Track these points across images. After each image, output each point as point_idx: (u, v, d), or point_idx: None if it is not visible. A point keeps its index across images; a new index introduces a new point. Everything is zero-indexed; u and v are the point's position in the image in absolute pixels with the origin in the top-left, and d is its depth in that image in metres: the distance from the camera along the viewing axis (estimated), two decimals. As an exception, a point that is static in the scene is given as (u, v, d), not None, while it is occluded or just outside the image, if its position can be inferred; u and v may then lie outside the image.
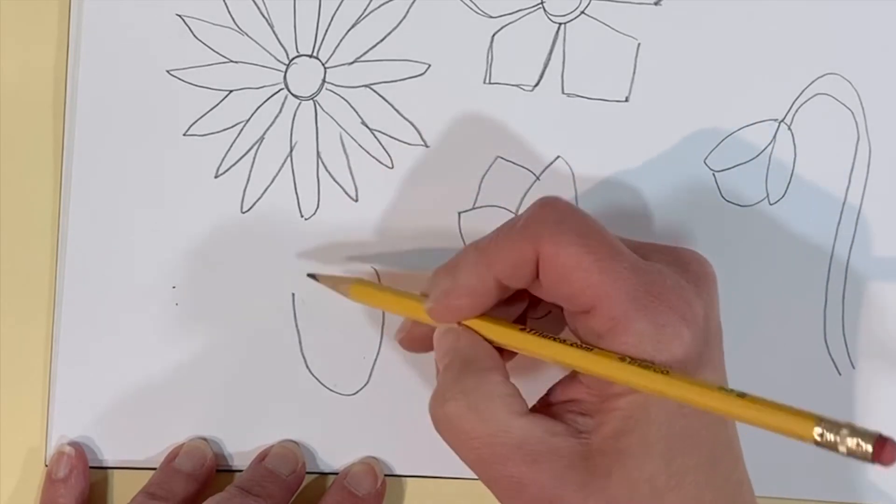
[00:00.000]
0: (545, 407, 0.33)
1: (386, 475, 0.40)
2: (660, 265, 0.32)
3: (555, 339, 0.32)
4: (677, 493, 0.31)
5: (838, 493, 0.41)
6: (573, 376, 0.33)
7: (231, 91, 0.39)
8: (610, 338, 0.31)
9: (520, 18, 0.39)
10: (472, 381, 0.32)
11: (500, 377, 0.32)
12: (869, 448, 0.26)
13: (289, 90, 0.39)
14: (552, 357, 0.32)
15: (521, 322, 0.35)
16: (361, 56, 0.39)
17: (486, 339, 0.33)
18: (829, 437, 0.26)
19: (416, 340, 0.36)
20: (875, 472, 0.41)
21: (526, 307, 0.35)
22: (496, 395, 0.32)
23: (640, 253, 0.33)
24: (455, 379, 0.32)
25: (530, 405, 0.33)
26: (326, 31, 0.39)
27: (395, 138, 0.40)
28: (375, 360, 0.40)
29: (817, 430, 0.27)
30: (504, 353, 0.34)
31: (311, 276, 0.38)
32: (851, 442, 0.26)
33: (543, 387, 0.34)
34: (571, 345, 0.32)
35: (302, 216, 0.40)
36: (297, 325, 0.40)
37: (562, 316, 0.34)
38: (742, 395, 0.29)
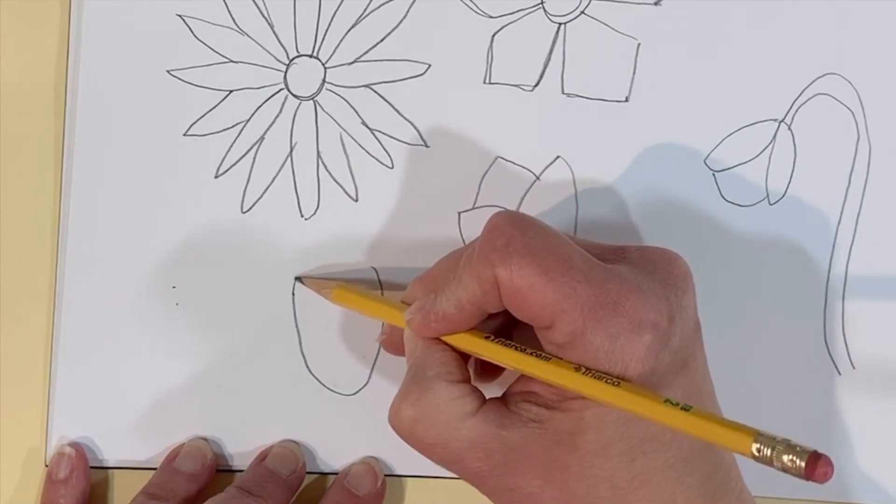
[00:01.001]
0: (503, 397, 0.34)
1: (386, 475, 0.40)
2: (623, 269, 0.32)
3: (515, 348, 0.33)
4: (643, 492, 0.31)
5: (838, 493, 0.41)
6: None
7: (231, 91, 0.39)
8: (568, 350, 0.32)
9: (520, 18, 0.39)
10: (418, 391, 0.33)
11: (444, 382, 0.33)
12: (802, 464, 0.26)
13: (289, 90, 0.39)
14: (511, 364, 0.33)
15: (507, 334, 0.35)
16: (361, 56, 0.39)
17: (448, 346, 0.34)
18: (766, 451, 0.27)
19: (395, 344, 0.37)
20: (875, 472, 0.41)
21: (506, 320, 0.35)
22: (441, 402, 0.33)
23: (608, 257, 0.33)
24: (406, 390, 0.33)
25: None
26: (326, 31, 0.39)
27: (395, 138, 0.40)
28: (375, 360, 0.40)
29: (755, 446, 0.27)
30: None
31: (298, 279, 0.39)
32: (787, 458, 0.26)
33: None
34: (530, 353, 0.33)
35: (302, 216, 0.40)
36: (297, 325, 0.40)
37: None
38: (686, 409, 0.29)
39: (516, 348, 0.33)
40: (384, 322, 0.38)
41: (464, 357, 0.35)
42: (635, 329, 0.31)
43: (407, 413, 0.33)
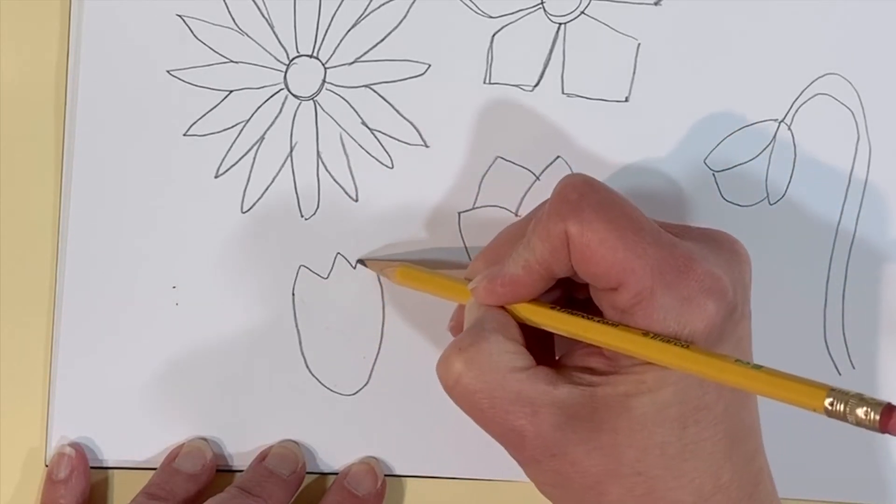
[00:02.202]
0: (555, 367, 0.33)
1: (386, 475, 0.40)
2: (687, 242, 0.32)
3: (581, 316, 0.32)
4: (692, 463, 0.31)
5: (838, 492, 0.41)
6: (590, 345, 0.33)
7: (231, 91, 0.39)
8: (635, 313, 0.31)
9: (520, 18, 0.39)
10: (471, 338, 0.32)
11: (500, 336, 0.32)
12: (876, 417, 0.26)
13: (289, 90, 0.39)
14: (577, 332, 0.32)
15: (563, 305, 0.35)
16: (361, 56, 0.39)
17: (513, 317, 0.34)
18: (839, 406, 0.27)
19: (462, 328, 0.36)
20: (876, 471, 0.41)
21: (562, 292, 0.35)
22: (494, 352, 0.32)
23: (671, 231, 0.33)
24: (459, 340, 0.33)
25: None
26: (326, 31, 0.39)
27: (395, 138, 0.40)
28: (375, 360, 0.40)
29: (828, 400, 0.27)
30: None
31: (360, 261, 0.39)
32: (861, 411, 0.26)
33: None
34: (597, 321, 0.32)
35: (302, 216, 0.40)
36: (297, 325, 0.40)
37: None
38: (758, 368, 0.29)
39: (583, 316, 0.32)
40: (456, 306, 0.37)
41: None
42: (705, 293, 0.31)
43: (458, 358, 0.32)
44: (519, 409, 0.31)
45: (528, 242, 0.33)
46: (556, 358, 0.35)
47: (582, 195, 0.32)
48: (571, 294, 0.36)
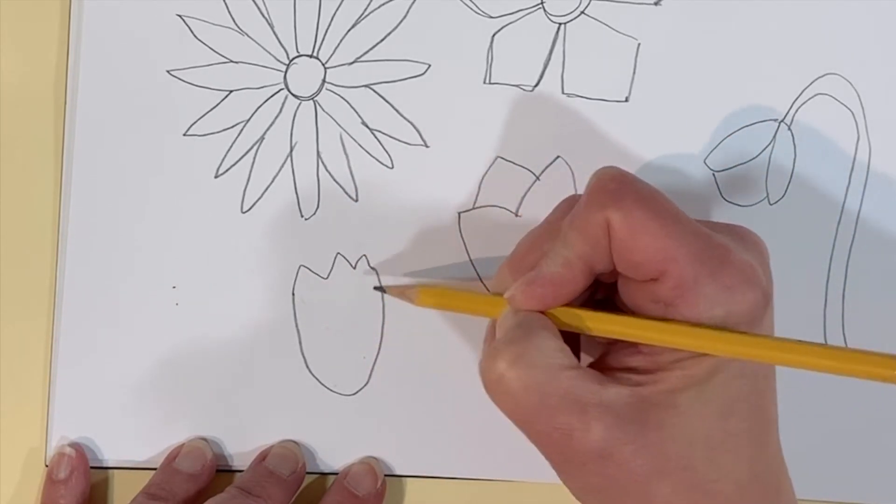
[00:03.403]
0: (598, 368, 0.33)
1: (386, 475, 0.40)
2: (717, 233, 0.32)
3: (626, 314, 0.32)
4: (734, 455, 0.31)
5: (839, 492, 0.41)
6: (629, 345, 0.33)
7: (231, 91, 0.39)
8: (678, 305, 0.31)
9: (520, 18, 0.39)
10: (522, 333, 0.32)
11: (548, 333, 0.32)
12: None
13: (289, 90, 0.39)
14: (626, 333, 0.32)
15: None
16: (361, 56, 0.39)
17: (553, 323, 0.33)
18: None
19: None
20: (876, 471, 0.41)
21: (588, 296, 0.35)
22: (545, 348, 0.31)
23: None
24: (507, 336, 0.32)
25: None
26: (326, 31, 0.39)
27: (395, 138, 0.40)
28: (375, 360, 0.40)
29: None
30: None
31: (379, 288, 0.39)
32: None
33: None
34: (645, 318, 0.32)
35: (302, 216, 0.40)
36: (297, 325, 0.40)
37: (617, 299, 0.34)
38: (823, 346, 0.29)
39: (628, 314, 0.32)
40: (481, 315, 0.36)
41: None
42: (745, 282, 0.31)
43: (505, 354, 0.31)
44: (568, 408, 0.31)
45: (566, 239, 0.32)
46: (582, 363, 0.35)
47: (622, 184, 0.31)
48: (592, 296, 0.35)
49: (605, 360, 0.34)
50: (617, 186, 0.31)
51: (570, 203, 0.35)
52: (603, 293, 0.34)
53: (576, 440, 0.30)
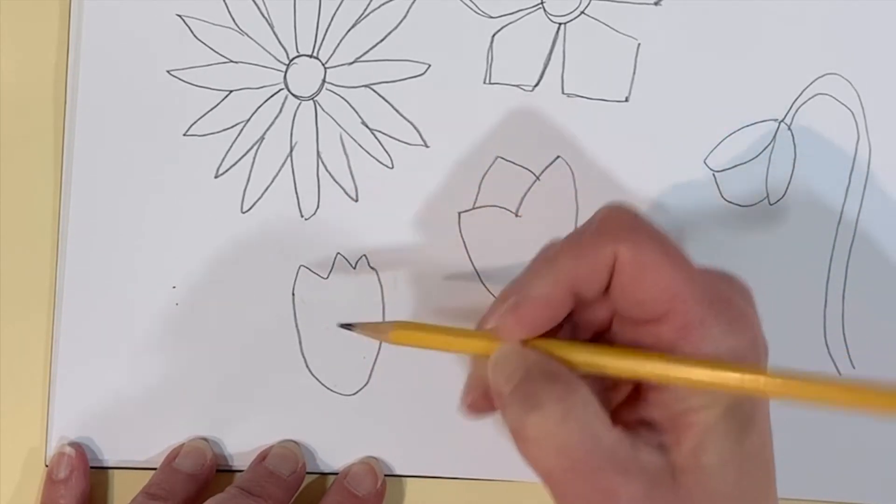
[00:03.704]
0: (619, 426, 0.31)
1: (386, 475, 0.40)
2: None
3: (636, 351, 0.31)
4: (750, 494, 0.30)
5: (839, 492, 0.41)
6: (638, 397, 0.32)
7: (231, 91, 0.39)
8: (683, 345, 0.30)
9: (520, 18, 0.39)
10: (563, 388, 0.30)
11: (587, 388, 0.30)
12: None
13: (289, 90, 0.39)
14: (637, 371, 0.30)
15: None
16: (361, 56, 0.39)
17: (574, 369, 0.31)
18: None
19: (483, 403, 0.34)
20: (876, 472, 0.41)
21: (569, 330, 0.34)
22: (589, 403, 0.30)
23: None
24: (542, 388, 0.30)
25: None
26: (326, 31, 0.39)
27: (395, 138, 0.40)
28: (375, 360, 0.40)
29: None
30: None
31: (346, 326, 0.35)
32: None
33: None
34: (659, 356, 0.30)
35: (302, 216, 0.40)
36: (297, 325, 0.40)
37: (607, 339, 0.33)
38: (845, 379, 0.29)
39: (638, 351, 0.30)
40: (469, 377, 0.34)
41: None
42: (749, 326, 0.30)
43: (549, 409, 0.29)
44: (612, 468, 0.29)
45: (555, 262, 0.31)
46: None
47: (635, 219, 0.31)
48: (574, 335, 0.34)
49: (620, 414, 0.32)
50: (630, 221, 0.31)
51: (547, 250, 0.34)
52: (587, 334, 0.33)
53: (618, 500, 0.29)
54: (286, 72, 0.39)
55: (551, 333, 0.32)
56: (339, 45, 0.39)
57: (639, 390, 0.32)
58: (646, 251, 0.30)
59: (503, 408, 0.31)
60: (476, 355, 0.33)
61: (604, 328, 0.33)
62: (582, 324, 0.33)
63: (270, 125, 0.39)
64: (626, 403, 0.33)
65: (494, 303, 0.34)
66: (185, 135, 0.39)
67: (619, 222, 0.31)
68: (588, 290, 0.31)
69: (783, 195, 0.40)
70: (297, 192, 0.40)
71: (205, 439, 0.40)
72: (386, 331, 0.33)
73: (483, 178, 0.40)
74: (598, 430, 0.30)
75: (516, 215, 0.40)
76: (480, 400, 0.34)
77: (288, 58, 0.39)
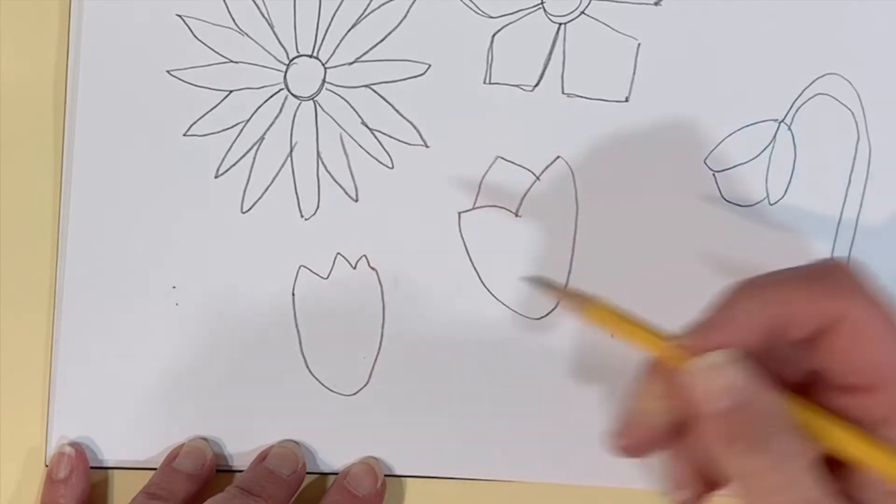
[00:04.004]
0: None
1: (386, 475, 0.40)
2: None
3: (860, 432, 0.28)
4: None
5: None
6: (837, 465, 0.29)
7: (231, 91, 0.39)
8: (889, 425, 0.28)
9: (520, 18, 0.39)
10: (796, 444, 0.27)
11: (812, 451, 0.28)
12: None
13: (289, 90, 0.39)
14: (855, 453, 0.28)
15: None
16: (361, 56, 0.39)
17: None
18: None
19: (648, 442, 0.30)
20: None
21: None
22: (816, 468, 0.27)
23: None
24: (773, 432, 0.27)
25: None
26: (326, 31, 0.39)
27: (395, 138, 0.40)
28: (375, 360, 0.40)
29: None
30: None
31: (532, 279, 0.33)
32: None
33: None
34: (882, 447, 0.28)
35: (302, 216, 0.40)
36: (297, 325, 0.40)
37: None
38: None
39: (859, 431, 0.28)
40: (626, 417, 0.31)
41: None
42: None
43: (784, 462, 0.27)
44: None
45: (764, 293, 0.29)
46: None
47: (868, 280, 0.29)
48: None
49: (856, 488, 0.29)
50: (863, 282, 0.29)
51: (754, 280, 0.30)
52: None
53: None
54: (286, 72, 0.39)
55: None
56: (339, 45, 0.39)
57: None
58: (876, 321, 0.28)
59: (708, 422, 0.28)
60: (666, 358, 0.30)
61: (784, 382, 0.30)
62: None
63: (270, 125, 0.39)
64: (844, 474, 0.29)
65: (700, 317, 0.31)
66: (185, 135, 0.39)
67: (855, 282, 0.29)
68: (791, 332, 0.29)
69: (783, 195, 0.40)
70: (297, 192, 0.40)
71: (205, 439, 0.40)
72: (584, 304, 0.32)
73: (483, 178, 0.40)
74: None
75: (516, 215, 0.40)
76: (642, 441, 0.31)
77: (288, 58, 0.39)
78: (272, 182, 0.40)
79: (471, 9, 0.39)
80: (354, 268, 0.40)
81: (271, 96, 0.39)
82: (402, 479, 0.40)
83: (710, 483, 0.30)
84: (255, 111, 0.39)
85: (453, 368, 0.40)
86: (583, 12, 0.39)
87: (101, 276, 0.39)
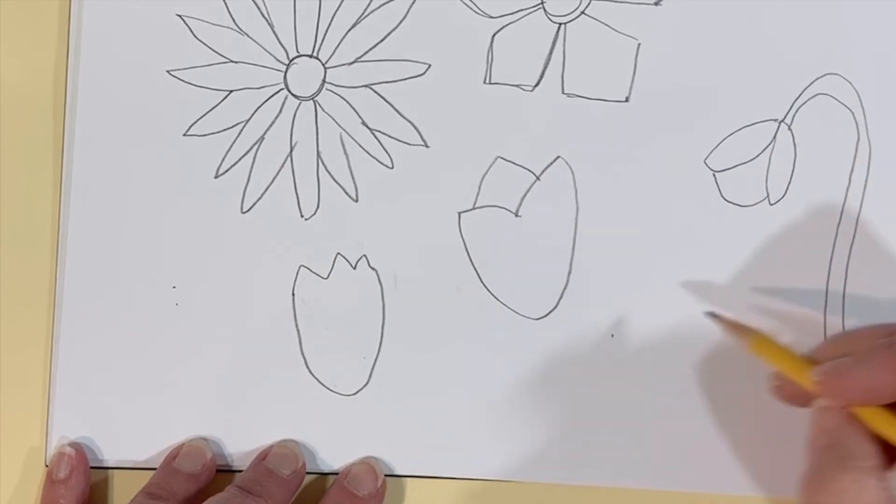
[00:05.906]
0: None
1: (386, 475, 0.40)
2: None
3: None
4: None
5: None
6: None
7: (231, 91, 0.39)
8: None
9: (520, 18, 0.39)
10: (848, 482, 0.30)
11: (875, 479, 0.30)
12: None
13: (289, 90, 0.39)
14: None
15: None
16: (361, 56, 0.39)
17: (871, 430, 0.32)
18: None
19: (792, 396, 0.35)
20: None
21: None
22: (867, 501, 0.30)
23: None
24: (831, 474, 0.31)
25: None
26: (326, 31, 0.39)
27: (395, 138, 0.40)
28: (375, 360, 0.40)
29: None
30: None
31: (712, 314, 0.37)
32: None
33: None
34: None
35: (302, 216, 0.40)
36: (297, 325, 0.40)
37: None
38: None
39: None
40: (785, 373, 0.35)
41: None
42: None
43: (829, 499, 0.30)
44: None
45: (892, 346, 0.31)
46: None
47: None
48: None
49: None
50: None
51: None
52: None
53: None
54: (286, 72, 0.39)
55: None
56: (339, 45, 0.39)
57: None
58: None
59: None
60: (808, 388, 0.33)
61: None
62: None
63: (270, 125, 0.39)
64: None
65: (833, 341, 0.34)
66: (185, 135, 0.39)
67: None
68: None
69: (783, 195, 0.40)
70: (297, 192, 0.40)
71: (205, 439, 0.40)
72: (747, 337, 0.36)
73: (483, 178, 0.40)
74: None
75: (516, 215, 0.40)
76: (780, 391, 0.35)
77: (288, 58, 0.39)
78: (272, 182, 0.40)
79: (471, 9, 0.39)
80: (354, 268, 0.40)
81: (271, 96, 0.39)
82: (402, 479, 0.40)
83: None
84: (255, 111, 0.39)
85: (453, 368, 0.40)
86: (583, 12, 0.39)
87: (101, 276, 0.39)
